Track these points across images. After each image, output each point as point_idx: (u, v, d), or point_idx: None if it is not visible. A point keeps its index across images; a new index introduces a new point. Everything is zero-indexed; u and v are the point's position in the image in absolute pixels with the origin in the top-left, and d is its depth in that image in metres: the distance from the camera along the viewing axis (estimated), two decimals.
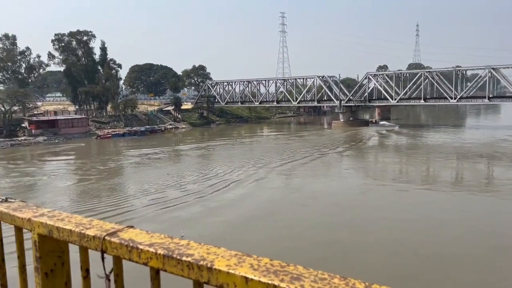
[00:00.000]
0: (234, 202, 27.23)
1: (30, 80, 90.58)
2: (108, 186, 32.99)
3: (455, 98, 74.61)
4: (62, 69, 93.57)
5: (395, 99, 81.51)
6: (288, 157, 45.49)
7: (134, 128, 78.96)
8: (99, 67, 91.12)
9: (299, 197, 28.39)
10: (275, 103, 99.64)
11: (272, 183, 32.89)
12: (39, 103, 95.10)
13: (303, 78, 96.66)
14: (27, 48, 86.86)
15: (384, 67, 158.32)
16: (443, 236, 19.96)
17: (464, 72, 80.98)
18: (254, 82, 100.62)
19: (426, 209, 24.76)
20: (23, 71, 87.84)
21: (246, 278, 1.08)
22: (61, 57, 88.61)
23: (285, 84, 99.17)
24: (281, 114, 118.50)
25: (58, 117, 78.12)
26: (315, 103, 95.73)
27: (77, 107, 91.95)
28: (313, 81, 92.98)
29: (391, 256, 17.81)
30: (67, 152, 56.99)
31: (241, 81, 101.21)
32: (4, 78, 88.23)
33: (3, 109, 69.93)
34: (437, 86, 79.07)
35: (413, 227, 21.43)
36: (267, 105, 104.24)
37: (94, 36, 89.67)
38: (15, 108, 73.23)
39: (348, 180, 34.21)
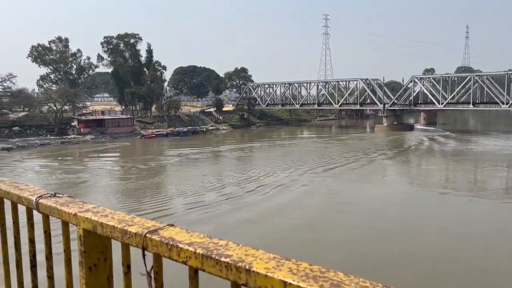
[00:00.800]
0: (279, 208, 26.70)
1: (80, 81, 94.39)
2: (148, 186, 33.65)
3: (507, 104, 71.05)
4: (110, 70, 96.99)
5: (442, 104, 78.68)
6: (329, 161, 44.85)
7: (177, 129, 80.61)
8: (145, 69, 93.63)
9: (339, 202, 27.95)
10: (316, 105, 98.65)
11: (315, 189, 32.33)
12: (88, 103, 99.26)
13: (346, 81, 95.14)
14: (78, 50, 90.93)
15: (431, 70, 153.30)
16: (491, 248, 19.01)
17: None
18: (296, 84, 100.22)
19: (473, 219, 23.70)
20: (74, 72, 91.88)
21: (284, 282, 1.05)
22: (109, 59, 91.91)
23: (327, 86, 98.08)
24: (322, 117, 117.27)
25: (105, 117, 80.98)
26: (358, 106, 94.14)
27: (123, 107, 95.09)
28: (356, 83, 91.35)
29: (435, 267, 17.14)
30: (112, 150, 59.00)
31: (282, 84, 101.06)
32: (56, 78, 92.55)
33: (55, 108, 73.40)
34: (488, 90, 75.48)
35: (458, 237, 20.54)
36: (308, 108, 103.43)
37: (140, 39, 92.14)
38: (66, 107, 76.61)
39: (391, 187, 33.30)
